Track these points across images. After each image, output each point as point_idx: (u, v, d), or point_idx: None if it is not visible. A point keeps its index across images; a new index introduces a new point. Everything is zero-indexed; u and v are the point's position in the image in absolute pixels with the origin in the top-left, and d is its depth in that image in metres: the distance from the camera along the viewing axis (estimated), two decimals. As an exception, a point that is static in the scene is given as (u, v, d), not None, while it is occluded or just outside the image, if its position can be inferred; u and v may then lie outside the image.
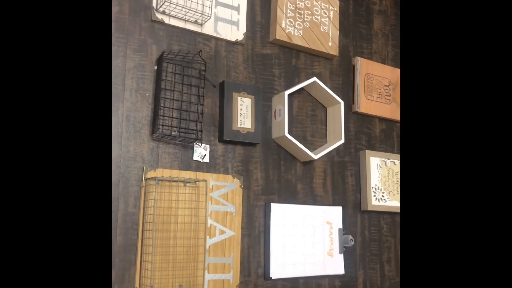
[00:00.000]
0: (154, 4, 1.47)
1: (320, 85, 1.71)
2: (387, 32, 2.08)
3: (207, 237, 1.45)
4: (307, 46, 1.75)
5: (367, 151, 1.87)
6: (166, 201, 1.39)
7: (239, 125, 1.55)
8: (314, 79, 1.70)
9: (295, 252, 1.63)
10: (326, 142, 1.81)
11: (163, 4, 1.45)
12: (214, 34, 1.57)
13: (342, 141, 1.73)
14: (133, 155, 1.39)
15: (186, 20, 1.52)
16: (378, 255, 1.87)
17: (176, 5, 1.47)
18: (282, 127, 1.61)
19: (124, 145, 1.38)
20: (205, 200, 1.45)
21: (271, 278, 1.57)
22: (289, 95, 1.73)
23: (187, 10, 1.49)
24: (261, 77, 1.68)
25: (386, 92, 1.98)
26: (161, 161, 1.43)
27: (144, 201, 1.37)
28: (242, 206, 1.56)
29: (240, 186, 1.55)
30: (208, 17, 1.53)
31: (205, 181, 1.44)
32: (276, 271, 1.58)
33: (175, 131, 1.46)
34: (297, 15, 1.74)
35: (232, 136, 1.53)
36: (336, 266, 1.72)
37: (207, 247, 1.45)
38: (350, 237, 1.75)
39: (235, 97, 1.56)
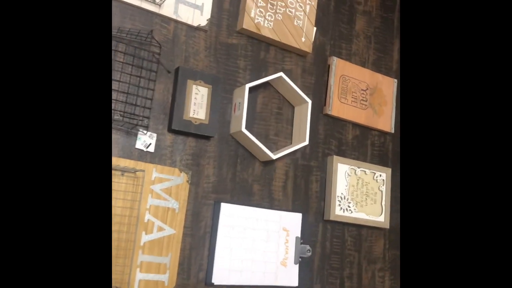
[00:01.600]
0: (107, -22, 1.37)
1: (286, 81, 1.60)
2: (370, 34, 1.97)
3: (143, 232, 1.33)
4: (277, 39, 1.64)
5: (335, 156, 1.74)
6: (99, 189, 1.27)
7: (191, 115, 1.44)
8: (281, 74, 1.58)
9: (244, 258, 1.51)
10: (291, 143, 1.69)
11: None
12: (174, 17, 1.47)
13: (306, 142, 1.61)
14: (66, 136, 1.28)
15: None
16: (339, 270, 1.74)
17: (132, -20, 1.37)
18: (239, 121, 1.50)
19: (57, 124, 1.27)
20: (140, 191, 1.33)
21: (213, 283, 1.44)
22: (254, 89, 1.62)
23: (143, -13, 1.39)
24: (223, 67, 1.57)
25: (363, 97, 1.86)
26: (98, 145, 1.32)
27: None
28: (188, 203, 1.44)
29: (187, 181, 1.43)
30: (165, -4, 1.43)
31: (143, 171, 1.33)
32: (220, 277, 1.46)
33: (117, 115, 1.35)
34: (269, 5, 1.64)
35: (182, 126, 1.42)
36: (289, 277, 1.60)
37: (141, 244, 1.33)
38: (308, 247, 1.62)
39: (190, 84, 1.45)
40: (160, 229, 1.37)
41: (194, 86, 1.45)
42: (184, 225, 1.42)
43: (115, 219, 1.29)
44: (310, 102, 1.64)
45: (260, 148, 1.51)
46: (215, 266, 1.45)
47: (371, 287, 1.81)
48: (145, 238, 1.34)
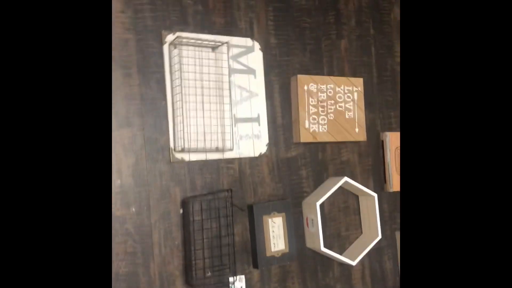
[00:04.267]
0: (171, 145, 1.38)
1: (351, 183, 1.62)
2: (414, 91, 1.94)
3: None
4: (333, 140, 1.65)
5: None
6: None
7: (273, 250, 1.49)
8: (345, 179, 1.60)
9: None
10: (361, 233, 1.74)
11: (181, 141, 1.36)
12: (237, 155, 1.48)
13: (379, 237, 1.66)
14: (170, 312, 1.35)
15: (207, 151, 1.43)
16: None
17: (196, 140, 1.38)
18: (317, 240, 1.55)
19: (160, 304, 1.34)
20: None
21: None
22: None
23: (206, 143, 1.40)
24: (288, 183, 1.60)
25: (418, 161, 1.88)
26: (199, 308, 1.39)
27: None
28: (284, 328, 1.53)
29: (280, 309, 1.52)
30: (230, 149, 1.43)
31: (246, 327, 1.41)
32: None
33: (208, 273, 1.41)
34: (320, 109, 1.63)
35: (267, 263, 1.48)
36: None
37: None
38: (394, 327, 1.72)
39: (265, 220, 1.49)
40: None
41: (269, 220, 1.50)
42: None
43: None
44: (376, 196, 1.67)
45: (340, 260, 1.57)
46: None
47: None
48: None
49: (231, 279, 1.44)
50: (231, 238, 1.46)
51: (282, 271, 1.55)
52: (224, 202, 1.46)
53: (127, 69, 1.34)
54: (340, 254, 1.67)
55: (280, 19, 1.62)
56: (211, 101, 1.42)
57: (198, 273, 1.39)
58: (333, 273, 1.66)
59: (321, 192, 1.59)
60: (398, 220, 1.83)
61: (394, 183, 1.80)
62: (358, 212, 1.74)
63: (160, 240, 1.36)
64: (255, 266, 1.48)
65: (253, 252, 1.49)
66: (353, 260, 1.60)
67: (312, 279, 1.61)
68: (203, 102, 1.41)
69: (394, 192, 1.83)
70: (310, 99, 1.61)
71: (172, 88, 1.39)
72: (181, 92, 1.38)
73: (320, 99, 1.63)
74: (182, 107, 1.38)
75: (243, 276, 1.47)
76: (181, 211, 1.40)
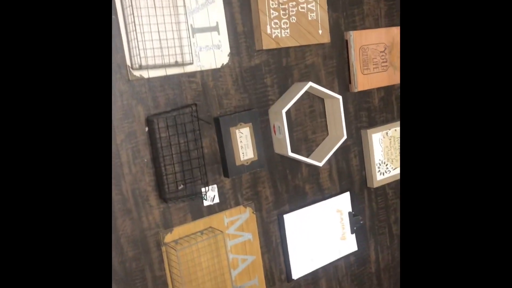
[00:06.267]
0: (128, 62, 1.32)
1: (316, 87, 1.63)
2: (378, -15, 1.87)
3: (231, 270, 1.56)
4: (296, 44, 1.61)
5: (368, 130, 1.85)
6: (188, 253, 1.46)
7: (242, 159, 1.53)
8: (310, 84, 1.60)
9: (312, 248, 1.75)
10: (327, 135, 1.78)
11: (137, 58, 1.31)
12: (198, 68, 1.44)
13: (345, 137, 1.71)
14: (147, 225, 1.41)
15: (166, 66, 1.38)
16: (386, 220, 2.00)
17: (153, 56, 1.33)
18: (284, 145, 1.58)
19: (136, 219, 1.39)
20: (221, 239, 1.51)
21: (293, 279, 1.72)
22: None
23: (164, 58, 1.35)
24: (253, 92, 1.59)
25: (383, 59, 1.87)
26: (174, 219, 1.45)
27: (168, 263, 1.43)
28: (257, 228, 1.63)
29: (253, 213, 1.60)
30: (190, 63, 1.39)
31: (221, 232, 1.49)
32: (297, 272, 1.72)
33: (181, 185, 1.45)
34: (281, 12, 1.56)
35: (237, 172, 1.52)
36: (349, 245, 1.87)
37: (233, 279, 1.56)
38: (360, 217, 1.86)
39: (232, 131, 1.50)
40: (243, 260, 1.59)
41: (237, 131, 1.51)
42: (260, 248, 1.63)
43: (206, 270, 1.50)
44: (340, 98, 1.68)
45: (307, 163, 1.63)
46: (291, 265, 1.71)
47: (413, 220, 2.09)
48: (234, 273, 1.57)
49: (203, 189, 1.49)
50: (200, 152, 1.48)
51: (252, 177, 1.61)
52: (189, 117, 1.45)
53: (69, -17, 1.23)
54: (307, 156, 1.73)
55: None
56: (164, 13, 1.35)
57: (170, 187, 1.43)
58: (301, 175, 1.73)
59: (287, 99, 1.59)
60: (364, 119, 1.88)
61: (359, 83, 1.81)
62: (324, 115, 1.77)
63: (129, 159, 1.37)
64: (226, 175, 1.53)
65: (223, 163, 1.52)
66: (320, 161, 1.66)
67: (282, 182, 1.68)
68: (156, 15, 1.33)
69: (359, 92, 1.85)
70: (271, 2, 1.54)
71: (121, 0, 1.29)
72: (132, 5, 1.29)
73: (281, 1, 1.56)
74: (134, 21, 1.30)
75: (215, 186, 1.52)
76: (146, 129, 1.39)
